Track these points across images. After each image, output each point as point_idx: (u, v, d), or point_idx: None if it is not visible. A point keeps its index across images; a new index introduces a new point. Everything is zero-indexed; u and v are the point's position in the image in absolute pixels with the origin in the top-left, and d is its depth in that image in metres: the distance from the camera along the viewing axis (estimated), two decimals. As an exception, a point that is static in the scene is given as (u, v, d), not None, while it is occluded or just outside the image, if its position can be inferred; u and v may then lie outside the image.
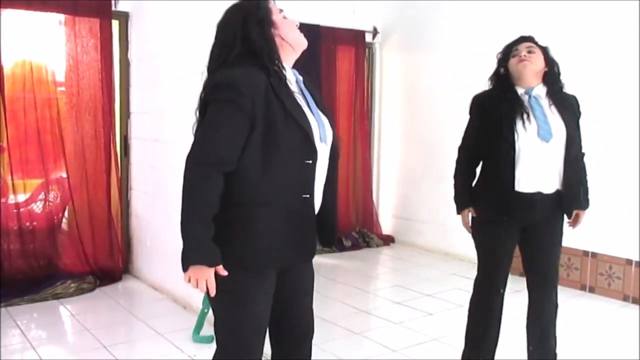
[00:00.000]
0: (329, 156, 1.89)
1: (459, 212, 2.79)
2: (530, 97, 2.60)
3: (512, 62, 2.64)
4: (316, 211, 1.87)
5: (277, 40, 1.82)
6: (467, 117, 2.82)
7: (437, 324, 3.81)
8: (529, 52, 2.62)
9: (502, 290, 2.80)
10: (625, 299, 4.29)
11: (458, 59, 5.44)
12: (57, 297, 4.17)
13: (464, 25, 5.40)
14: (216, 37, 1.86)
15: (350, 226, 6.09)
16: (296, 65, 1.95)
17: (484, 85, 2.91)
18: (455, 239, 5.48)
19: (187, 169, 1.70)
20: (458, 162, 2.84)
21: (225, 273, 1.71)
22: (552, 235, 2.77)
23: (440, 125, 5.64)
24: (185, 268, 1.69)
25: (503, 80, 2.67)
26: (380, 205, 6.37)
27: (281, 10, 1.87)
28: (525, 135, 2.51)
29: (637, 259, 4.22)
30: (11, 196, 4.25)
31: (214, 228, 1.68)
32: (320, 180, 1.85)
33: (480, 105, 2.71)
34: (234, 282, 1.74)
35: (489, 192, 2.67)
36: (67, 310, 4.03)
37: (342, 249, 5.80)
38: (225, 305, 1.83)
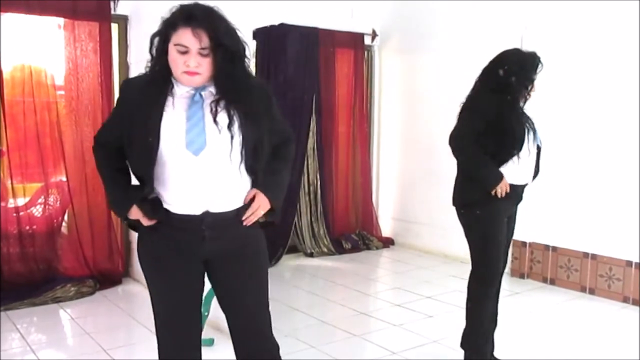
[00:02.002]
0: (207, 169, 1.85)
1: (499, 182, 2.80)
2: (522, 108, 2.93)
3: (529, 89, 2.87)
4: (204, 208, 1.88)
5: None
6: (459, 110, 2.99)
7: (437, 326, 3.81)
8: None
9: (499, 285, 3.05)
10: (626, 300, 4.29)
11: (457, 62, 5.45)
12: (57, 300, 4.17)
13: (462, 28, 5.40)
14: None
15: (349, 228, 6.09)
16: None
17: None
18: (455, 241, 5.48)
19: None
20: (469, 147, 2.85)
21: (147, 222, 1.94)
22: (514, 222, 3.10)
23: (439, 128, 5.61)
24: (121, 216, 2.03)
25: (514, 94, 2.85)
26: (379, 207, 6.37)
27: (180, 45, 1.81)
28: (528, 140, 2.85)
29: (637, 261, 4.21)
30: (11, 200, 4.25)
31: (124, 183, 2.01)
32: (193, 182, 1.85)
33: (492, 110, 2.83)
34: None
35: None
36: (67, 314, 4.03)
37: (341, 251, 5.80)
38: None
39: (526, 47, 3.07)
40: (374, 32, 6.18)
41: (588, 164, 4.50)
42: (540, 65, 2.85)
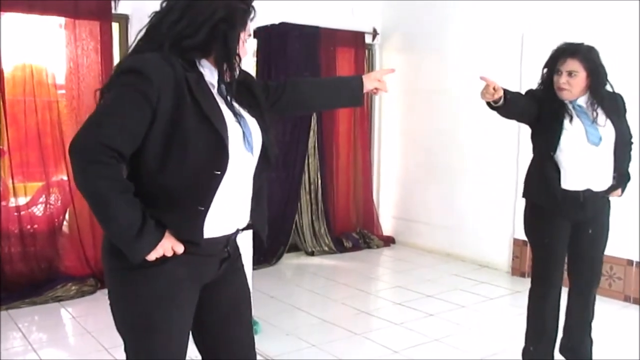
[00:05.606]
0: (256, 167, 1.65)
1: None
2: (574, 106, 2.71)
3: (555, 81, 2.69)
4: (238, 224, 1.65)
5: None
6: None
7: (438, 324, 3.81)
8: (570, 74, 2.65)
9: (559, 285, 2.89)
10: (626, 299, 4.29)
11: (458, 60, 5.45)
12: (58, 299, 4.17)
13: (463, 26, 5.40)
14: (173, 11, 1.70)
15: (350, 227, 6.09)
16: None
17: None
18: (456, 239, 5.50)
19: (77, 159, 1.46)
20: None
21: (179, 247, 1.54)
22: (601, 228, 2.87)
23: (440, 126, 5.64)
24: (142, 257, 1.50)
25: (550, 87, 2.73)
26: (380, 206, 6.38)
27: (249, 35, 1.68)
28: (570, 139, 2.64)
29: (638, 260, 4.22)
30: (12, 199, 4.26)
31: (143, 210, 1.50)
32: (240, 192, 1.62)
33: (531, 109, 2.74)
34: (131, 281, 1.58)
35: (538, 186, 2.78)
36: (68, 313, 4.03)
37: (342, 250, 5.80)
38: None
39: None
40: (374, 30, 6.18)
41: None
42: (559, 50, 2.71)
